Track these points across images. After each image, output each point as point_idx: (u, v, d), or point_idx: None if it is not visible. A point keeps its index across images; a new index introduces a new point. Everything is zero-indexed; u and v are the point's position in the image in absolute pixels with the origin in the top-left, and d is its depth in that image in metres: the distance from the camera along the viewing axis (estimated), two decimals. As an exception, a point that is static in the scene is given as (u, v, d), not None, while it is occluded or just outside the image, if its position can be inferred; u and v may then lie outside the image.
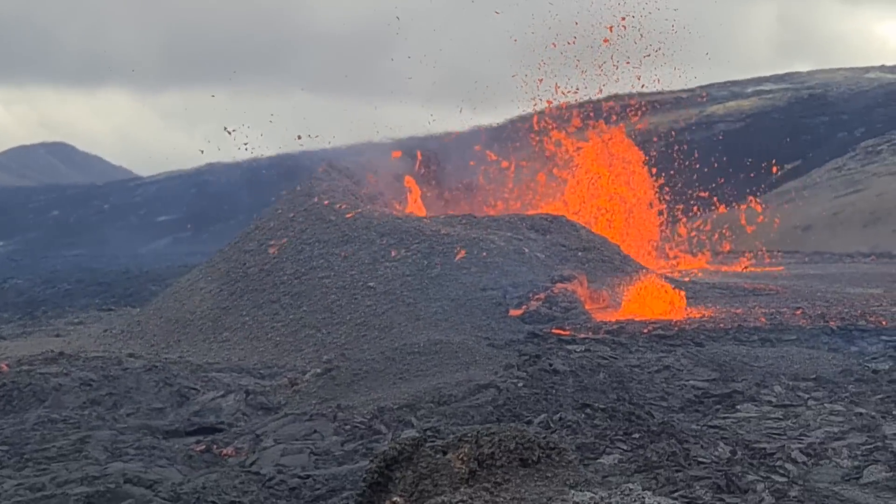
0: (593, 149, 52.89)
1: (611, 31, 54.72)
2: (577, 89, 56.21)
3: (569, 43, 54.22)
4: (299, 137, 48.37)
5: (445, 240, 35.25)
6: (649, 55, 56.29)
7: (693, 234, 60.10)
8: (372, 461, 9.89)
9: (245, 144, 64.86)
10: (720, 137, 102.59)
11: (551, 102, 57.81)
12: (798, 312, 31.77)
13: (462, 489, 9.25)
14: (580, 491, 9.11)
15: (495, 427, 9.98)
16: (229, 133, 49.75)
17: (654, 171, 57.26)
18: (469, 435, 9.90)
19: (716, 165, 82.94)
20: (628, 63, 56.45)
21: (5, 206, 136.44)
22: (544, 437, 9.83)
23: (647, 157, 56.26)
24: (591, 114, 58.37)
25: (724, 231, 62.18)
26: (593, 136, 53.48)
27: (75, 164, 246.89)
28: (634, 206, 51.39)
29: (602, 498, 8.94)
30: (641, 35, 55.13)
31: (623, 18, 53.72)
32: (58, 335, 38.72)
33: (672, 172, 78.00)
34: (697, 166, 78.75)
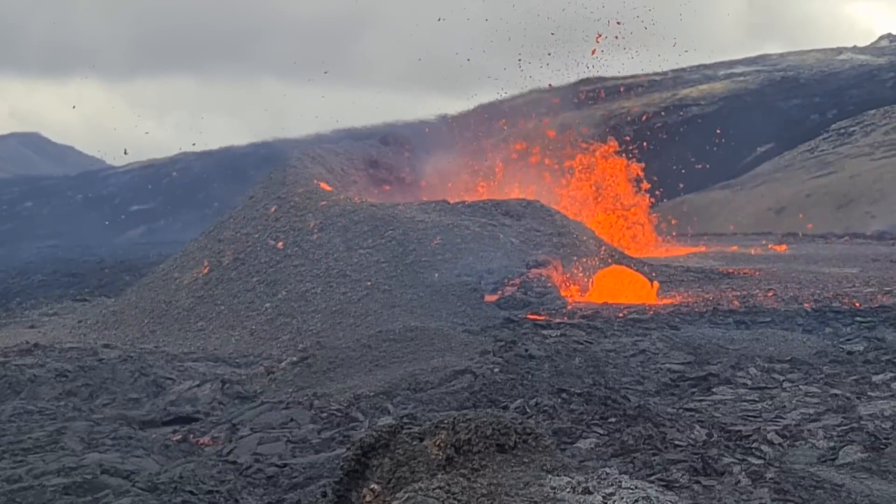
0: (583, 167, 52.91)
1: (598, 40, 55.04)
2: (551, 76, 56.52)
3: (551, 33, 54.46)
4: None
5: (420, 226, 35.25)
6: (617, 37, 56.47)
7: (668, 217, 60.28)
8: (349, 449, 9.88)
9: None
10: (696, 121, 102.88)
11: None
12: (770, 294, 31.90)
13: (439, 476, 9.26)
14: (557, 476, 9.12)
15: (472, 413, 9.98)
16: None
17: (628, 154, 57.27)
18: (446, 421, 9.90)
19: (688, 150, 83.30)
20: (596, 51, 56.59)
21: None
22: (521, 423, 9.84)
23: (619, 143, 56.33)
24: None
25: (695, 215, 62.35)
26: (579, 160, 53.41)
27: (48, 155, 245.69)
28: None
29: (579, 482, 8.95)
30: (618, 22, 55.29)
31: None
32: (32, 326, 38.58)
33: (644, 156, 78.24)
34: (673, 149, 78.99)
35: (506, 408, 18.69)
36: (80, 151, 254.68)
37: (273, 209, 37.92)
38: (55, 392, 23.42)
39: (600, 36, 54.70)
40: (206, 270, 35.53)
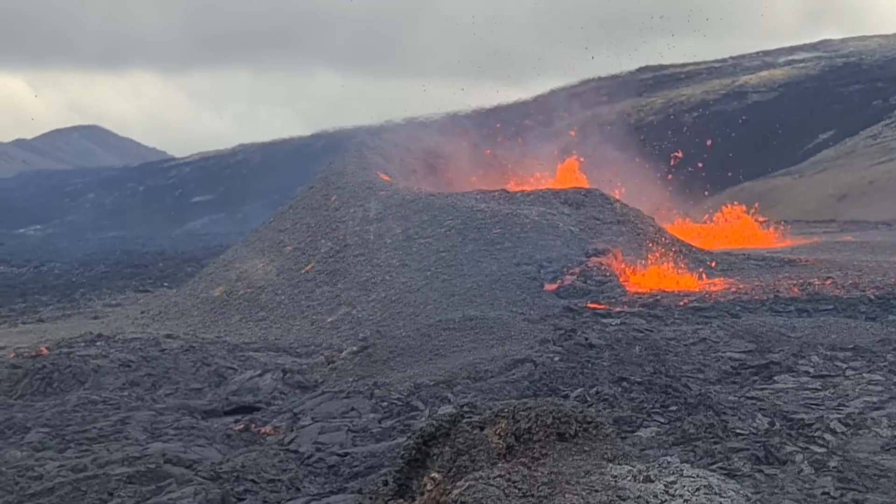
0: None
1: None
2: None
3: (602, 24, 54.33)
4: None
5: (479, 216, 35.23)
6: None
7: (727, 205, 59.81)
8: (410, 437, 9.91)
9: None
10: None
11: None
12: (828, 282, 31.64)
13: (500, 464, 9.25)
14: (618, 464, 9.10)
15: (532, 402, 9.98)
16: None
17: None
18: (506, 410, 9.90)
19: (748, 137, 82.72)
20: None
21: (41, 190, 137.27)
22: (581, 412, 9.83)
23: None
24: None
25: (756, 202, 61.79)
26: None
27: (110, 147, 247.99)
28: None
29: (640, 471, 8.92)
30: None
31: None
32: (96, 317, 38.95)
33: (707, 143, 77.90)
34: (734, 136, 78.51)
35: (566, 396, 18.67)
36: (141, 143, 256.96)
37: (333, 199, 38.04)
38: (119, 382, 23.66)
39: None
40: (267, 261, 35.71)
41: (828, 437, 15.62)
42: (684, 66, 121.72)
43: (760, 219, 56.80)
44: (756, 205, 58.88)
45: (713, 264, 34.30)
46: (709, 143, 71.97)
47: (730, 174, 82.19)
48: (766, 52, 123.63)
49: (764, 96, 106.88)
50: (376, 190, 37.99)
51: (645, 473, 9.06)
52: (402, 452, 10.23)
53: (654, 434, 16.06)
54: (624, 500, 8.39)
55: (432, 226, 34.83)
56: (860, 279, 32.07)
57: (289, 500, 14.77)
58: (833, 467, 13.88)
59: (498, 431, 9.80)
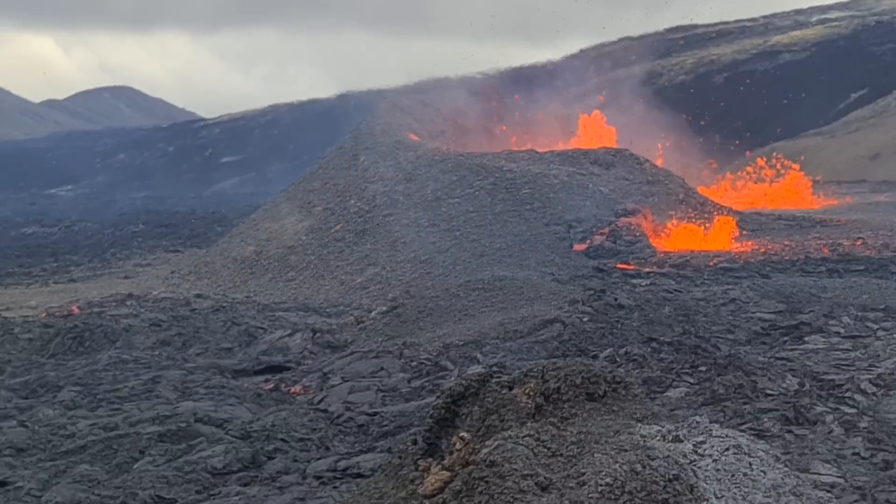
0: None
1: None
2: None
3: None
4: None
5: (508, 176, 35.16)
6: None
7: (757, 166, 59.50)
8: (439, 397, 9.93)
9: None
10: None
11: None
12: (859, 243, 31.48)
13: (529, 424, 9.26)
14: (647, 424, 9.10)
15: (561, 362, 9.98)
16: None
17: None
18: (535, 370, 9.90)
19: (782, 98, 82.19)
20: None
21: (72, 151, 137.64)
22: (610, 371, 9.83)
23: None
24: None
25: (786, 162, 61.39)
26: None
27: (140, 108, 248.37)
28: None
29: (669, 431, 8.92)
30: None
31: None
32: (126, 277, 39.16)
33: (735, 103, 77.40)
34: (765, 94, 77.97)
35: (595, 357, 18.68)
36: (171, 104, 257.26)
37: (362, 159, 38.03)
38: (149, 341, 23.77)
39: None
40: (296, 221, 35.75)
41: (858, 397, 15.58)
42: (715, 26, 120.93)
43: (814, 178, 56.48)
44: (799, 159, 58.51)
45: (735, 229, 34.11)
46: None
47: (760, 135, 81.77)
48: (799, 11, 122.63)
49: (796, 56, 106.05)
50: (406, 150, 37.94)
51: (674, 433, 9.06)
52: (432, 412, 10.25)
53: (683, 394, 16.07)
54: (653, 459, 8.39)
55: (461, 186, 34.79)
56: (891, 240, 31.90)
57: (318, 458, 14.84)
58: (863, 428, 13.86)
59: (527, 391, 9.80)
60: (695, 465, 8.44)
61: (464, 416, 9.90)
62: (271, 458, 14.92)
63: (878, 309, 22.49)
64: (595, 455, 8.51)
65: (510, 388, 9.99)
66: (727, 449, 8.85)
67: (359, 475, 13.75)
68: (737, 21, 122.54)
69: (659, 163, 41.87)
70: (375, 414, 16.78)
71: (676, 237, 32.95)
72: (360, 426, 16.30)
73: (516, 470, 8.50)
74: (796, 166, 54.78)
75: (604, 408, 9.61)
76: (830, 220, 37.37)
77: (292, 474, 14.27)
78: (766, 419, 14.28)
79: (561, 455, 8.76)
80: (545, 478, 8.43)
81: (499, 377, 10.23)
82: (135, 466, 14.79)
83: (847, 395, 15.71)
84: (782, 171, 54.84)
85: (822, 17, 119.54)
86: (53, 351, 23.43)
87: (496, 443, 8.98)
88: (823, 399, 15.37)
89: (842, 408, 14.91)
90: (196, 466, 14.46)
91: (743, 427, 13.58)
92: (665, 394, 16.16)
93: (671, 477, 7.82)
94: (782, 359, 18.53)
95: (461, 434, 9.64)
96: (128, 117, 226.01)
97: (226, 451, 14.88)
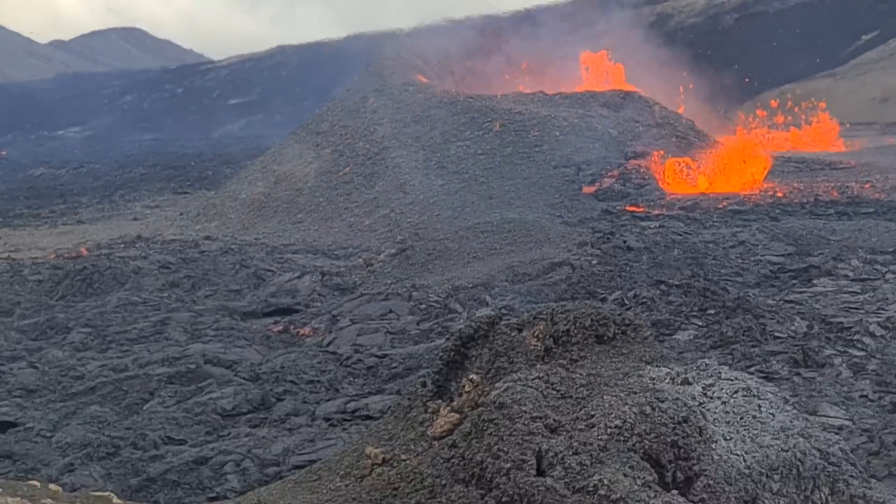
0: None
1: None
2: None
3: None
4: None
5: (517, 118, 35.04)
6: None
7: (767, 108, 59.25)
8: (448, 339, 9.93)
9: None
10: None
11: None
12: (867, 186, 31.41)
13: (538, 366, 9.27)
14: (656, 367, 9.11)
15: (570, 304, 9.97)
16: None
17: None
18: (544, 312, 9.89)
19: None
20: None
21: (79, 92, 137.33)
22: (620, 314, 9.82)
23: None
24: None
25: (796, 104, 61.03)
26: None
27: (148, 49, 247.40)
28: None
29: (678, 373, 8.93)
30: None
31: None
32: (135, 219, 39.17)
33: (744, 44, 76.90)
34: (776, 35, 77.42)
35: (604, 300, 18.68)
36: (179, 45, 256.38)
37: (371, 101, 37.90)
38: (158, 283, 23.79)
39: None
40: (305, 163, 35.69)
41: (867, 340, 15.58)
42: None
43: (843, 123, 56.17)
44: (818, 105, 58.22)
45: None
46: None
47: (771, 77, 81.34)
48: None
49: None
50: (414, 92, 37.81)
51: (683, 376, 9.07)
52: (441, 354, 10.26)
53: (692, 337, 16.09)
54: (662, 401, 8.40)
55: (470, 128, 34.68)
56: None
57: (328, 400, 14.90)
58: (871, 370, 13.88)
59: (536, 333, 9.81)
60: (704, 408, 8.45)
61: (473, 359, 9.91)
62: (280, 400, 14.97)
63: (887, 252, 22.42)
64: (604, 397, 8.52)
65: (519, 331, 10.00)
66: (736, 391, 8.86)
67: (368, 417, 13.81)
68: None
69: (681, 110, 41.67)
70: (384, 356, 16.82)
71: (689, 179, 32.81)
72: (369, 368, 16.34)
73: (525, 412, 8.51)
74: (822, 104, 54.49)
75: (613, 350, 9.62)
76: (840, 163, 37.24)
77: (301, 416, 14.32)
78: (774, 362, 14.30)
79: (570, 397, 8.77)
80: (554, 420, 8.45)
81: (508, 319, 10.24)
82: (145, 407, 14.87)
83: (855, 337, 15.71)
84: (801, 116, 54.59)
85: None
86: (63, 293, 23.47)
87: (505, 385, 9.00)
88: (832, 342, 15.38)
89: (850, 350, 14.92)
90: (206, 408, 14.53)
91: (751, 369, 13.61)
92: (674, 336, 16.18)
93: (680, 419, 7.83)
94: (791, 302, 18.51)
95: (470, 376, 9.66)
96: (135, 59, 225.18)
97: (235, 392, 14.94)
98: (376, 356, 16.86)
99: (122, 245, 29.33)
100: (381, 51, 46.22)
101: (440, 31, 50.85)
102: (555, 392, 8.71)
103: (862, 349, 15.08)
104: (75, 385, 15.93)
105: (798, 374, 13.77)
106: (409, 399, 10.00)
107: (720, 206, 28.68)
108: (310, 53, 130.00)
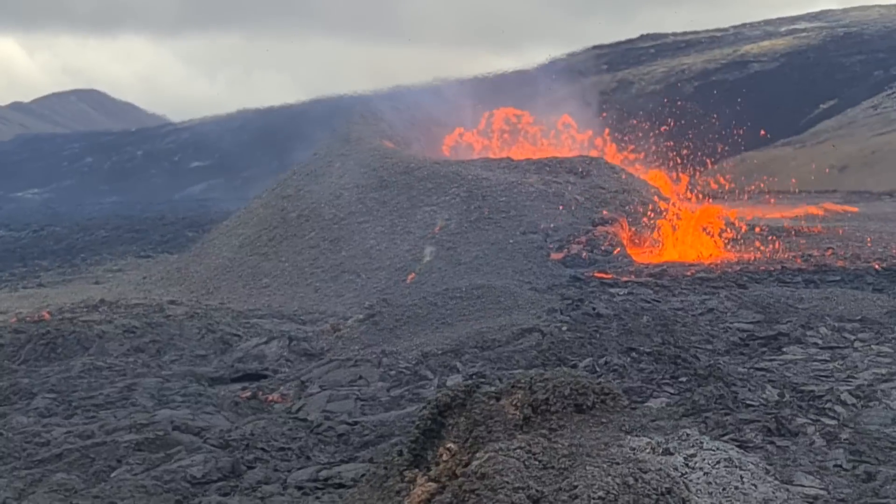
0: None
1: None
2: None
3: None
4: None
5: (484, 184, 35.09)
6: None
7: (727, 176, 59.76)
8: (425, 407, 9.88)
9: None
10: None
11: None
12: (829, 253, 31.68)
13: (519, 435, 9.22)
14: (636, 436, 9.07)
15: (549, 373, 9.94)
16: None
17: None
18: (523, 381, 9.86)
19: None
20: None
21: (40, 154, 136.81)
22: (599, 383, 9.80)
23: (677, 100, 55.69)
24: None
25: (758, 174, 61.54)
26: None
27: (108, 111, 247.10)
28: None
29: (659, 443, 8.90)
30: None
31: None
32: (97, 282, 38.87)
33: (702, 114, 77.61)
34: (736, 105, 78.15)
35: (574, 366, 18.63)
36: (139, 107, 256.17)
37: (337, 166, 37.90)
38: (123, 348, 23.58)
39: None
40: (270, 227, 35.56)
41: (838, 408, 15.60)
42: (685, 35, 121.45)
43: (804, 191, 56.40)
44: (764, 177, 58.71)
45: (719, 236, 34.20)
46: (714, 117, 71.61)
47: (729, 145, 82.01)
48: (768, 22, 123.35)
49: (765, 66, 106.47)
50: (381, 157, 37.83)
51: (664, 446, 9.03)
52: (418, 422, 10.19)
53: (664, 405, 16.05)
54: (645, 472, 8.36)
55: (437, 194, 34.68)
56: (860, 250, 32.15)
57: (299, 468, 14.74)
58: (845, 439, 13.85)
59: (514, 402, 9.77)
60: (686, 479, 8.41)
61: (450, 427, 9.84)
62: (251, 468, 14.80)
63: (854, 319, 22.52)
64: (587, 468, 8.47)
65: (497, 399, 9.94)
66: (718, 462, 8.84)
67: (340, 485, 13.66)
68: (706, 31, 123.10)
69: (644, 176, 41.83)
70: (355, 423, 16.69)
71: (655, 247, 32.92)
72: (341, 435, 16.20)
73: (508, 483, 8.45)
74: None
75: (592, 419, 9.58)
76: (804, 230, 37.49)
77: (273, 484, 14.16)
78: (748, 430, 14.25)
79: (553, 468, 8.72)
80: (537, 490, 8.39)
81: (485, 388, 10.16)
82: (112, 475, 14.66)
83: (827, 406, 15.72)
84: (761, 184, 55.05)
85: (792, 27, 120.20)
86: (25, 357, 23.21)
87: (487, 455, 8.93)
88: (804, 410, 15.37)
89: (822, 419, 14.91)
90: (175, 476, 14.33)
91: (725, 438, 13.55)
92: (646, 404, 16.13)
93: (664, 490, 7.79)
94: (761, 369, 18.52)
95: (448, 445, 9.59)
96: (95, 121, 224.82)
97: (205, 460, 14.76)
98: (347, 423, 16.73)
99: (85, 309, 29.07)
100: (345, 115, 46.26)
101: (403, 96, 50.97)
102: (537, 462, 8.66)
103: (834, 418, 15.08)
104: (41, 452, 15.71)
105: (772, 442, 13.73)
106: (385, 468, 9.91)
107: (688, 273, 28.75)
108: (272, 117, 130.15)
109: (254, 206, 38.84)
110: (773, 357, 19.67)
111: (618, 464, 8.55)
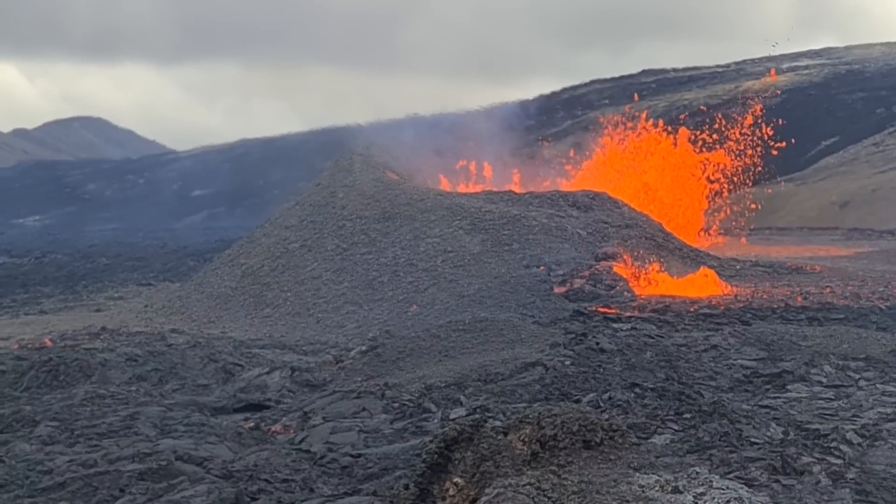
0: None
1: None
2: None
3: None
4: None
5: (487, 217, 35.12)
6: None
7: (728, 213, 59.87)
8: (431, 441, 9.83)
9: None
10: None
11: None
12: (826, 291, 31.69)
13: (528, 472, 9.17)
14: (645, 474, 9.03)
15: (557, 408, 9.90)
16: None
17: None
18: (530, 416, 9.82)
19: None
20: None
21: (41, 181, 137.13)
22: (607, 420, 9.75)
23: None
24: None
25: (759, 210, 61.56)
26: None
27: (109, 139, 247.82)
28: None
29: (668, 481, 8.86)
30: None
31: None
32: (98, 310, 38.83)
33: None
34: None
35: (578, 401, 18.57)
36: (141, 136, 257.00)
37: (340, 196, 37.94)
38: (126, 376, 23.51)
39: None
40: (272, 257, 35.55)
41: (844, 448, 15.54)
42: (686, 71, 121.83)
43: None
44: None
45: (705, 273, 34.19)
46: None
47: (731, 181, 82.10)
48: (770, 59, 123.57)
49: (767, 102, 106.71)
50: (384, 189, 37.88)
51: (673, 484, 8.99)
52: (424, 456, 10.14)
53: (668, 441, 15.98)
54: (654, 510, 8.31)
55: (440, 226, 34.71)
56: (860, 289, 32.20)
57: (303, 500, 14.67)
58: (851, 479, 13.80)
59: (522, 437, 9.73)
60: (697, 517, 8.36)
61: (457, 462, 9.80)
62: (255, 499, 14.73)
63: (858, 358, 22.44)
64: (597, 505, 8.43)
65: (505, 434, 9.90)
66: (728, 501, 8.80)
67: (345, 518, 13.61)
68: (708, 67, 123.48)
69: (647, 211, 41.87)
70: (359, 455, 16.62)
71: (659, 282, 32.92)
72: (344, 468, 16.14)
73: (518, 519, 8.40)
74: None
75: (600, 456, 9.55)
76: (806, 267, 37.51)
77: (277, 516, 14.10)
78: (753, 468, 14.19)
79: (562, 505, 8.68)
80: (548, 528, 8.33)
81: (493, 422, 10.12)
82: (115, 505, 14.61)
83: (833, 445, 15.66)
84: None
85: (793, 64, 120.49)
86: (27, 384, 23.13)
87: (496, 491, 8.90)
88: (809, 449, 15.31)
89: (828, 458, 14.86)
90: (178, 506, 14.28)
91: (730, 476, 13.50)
92: (650, 440, 16.06)
93: (677, 530, 7.74)
94: (766, 407, 18.47)
95: (455, 479, 9.56)
96: (97, 148, 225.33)
97: (208, 491, 14.70)
98: (351, 455, 16.66)
99: (87, 336, 29.05)
100: (345, 146, 46.32)
101: (406, 128, 51.10)
102: (546, 499, 8.62)
103: (840, 457, 15.03)
104: (43, 480, 15.65)
105: (777, 481, 13.67)
106: (391, 501, 9.86)
107: (691, 309, 28.73)
108: (273, 146, 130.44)
109: (256, 235, 38.86)
110: (777, 395, 19.61)
111: (628, 501, 8.53)
